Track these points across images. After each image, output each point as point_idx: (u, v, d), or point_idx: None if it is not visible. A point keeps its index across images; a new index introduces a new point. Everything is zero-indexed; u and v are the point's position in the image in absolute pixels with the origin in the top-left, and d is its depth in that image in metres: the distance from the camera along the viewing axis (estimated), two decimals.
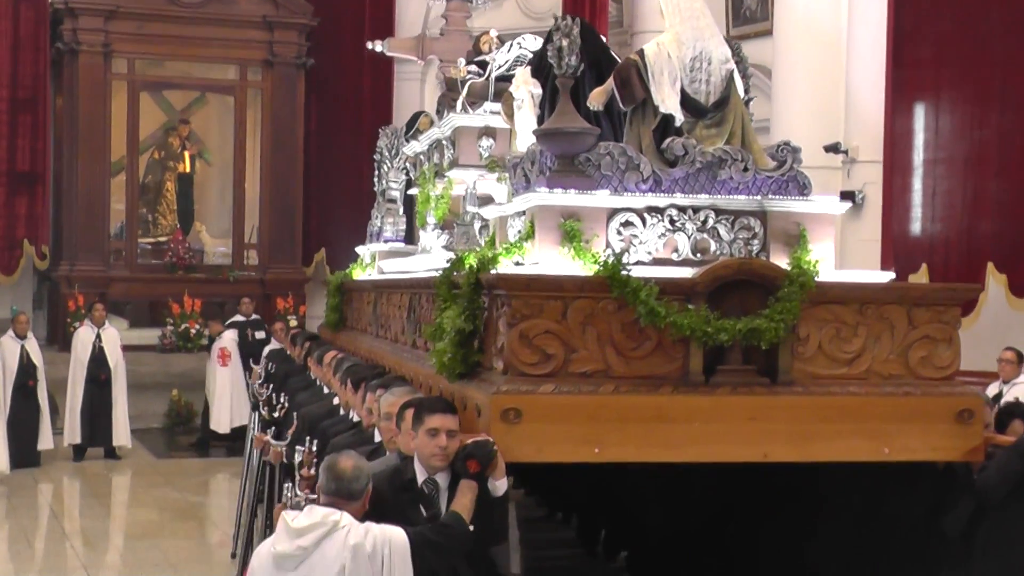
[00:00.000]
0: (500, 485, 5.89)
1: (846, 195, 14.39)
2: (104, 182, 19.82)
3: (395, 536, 5.38)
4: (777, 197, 6.89)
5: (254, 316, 18.42)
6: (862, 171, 15.29)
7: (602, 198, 6.67)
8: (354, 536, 5.29)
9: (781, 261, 6.63)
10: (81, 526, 12.89)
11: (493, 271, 6.49)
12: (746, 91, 7.66)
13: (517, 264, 6.67)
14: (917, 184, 14.28)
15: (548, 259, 6.54)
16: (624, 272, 6.15)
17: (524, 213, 6.85)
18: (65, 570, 11.00)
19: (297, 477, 6.75)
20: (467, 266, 6.63)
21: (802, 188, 6.96)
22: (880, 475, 6.93)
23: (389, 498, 5.83)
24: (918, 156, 14.26)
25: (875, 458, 6.38)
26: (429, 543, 5.49)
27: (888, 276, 6.98)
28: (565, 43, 6.66)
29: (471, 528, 5.64)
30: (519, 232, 6.90)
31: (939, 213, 14.07)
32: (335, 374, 8.71)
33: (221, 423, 17.23)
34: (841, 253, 14.22)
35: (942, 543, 6.94)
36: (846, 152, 15.20)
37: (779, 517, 8.02)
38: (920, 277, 13.71)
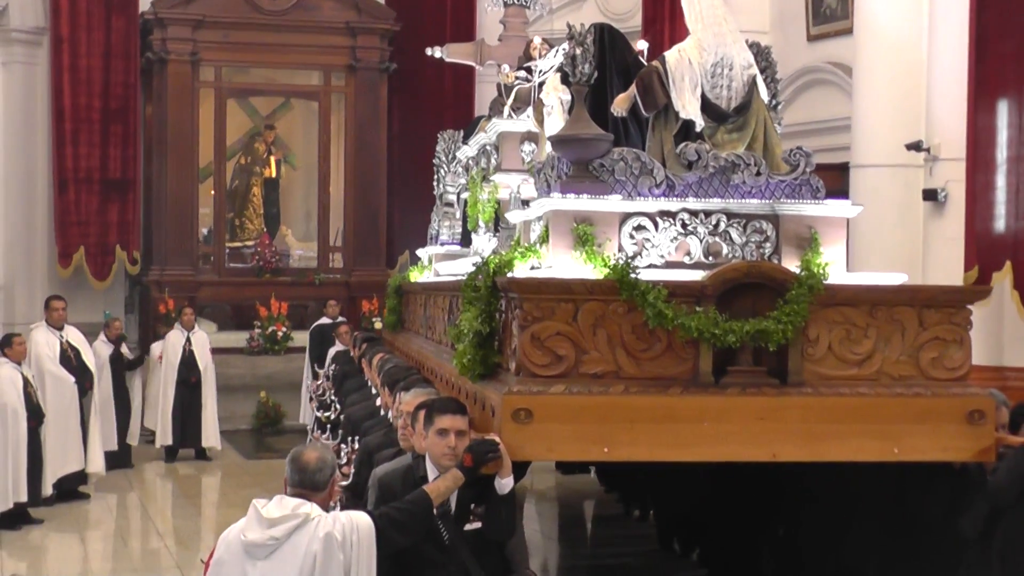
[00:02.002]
0: (506, 483, 6.06)
1: (929, 193, 14.28)
2: (192, 188, 20.20)
3: (361, 521, 5.57)
4: (789, 201, 6.97)
5: (340, 318, 18.62)
6: (945, 169, 15.08)
7: (614, 203, 6.80)
8: (324, 526, 5.46)
9: (793, 264, 6.71)
10: (174, 526, 13.16)
11: (509, 274, 6.64)
12: (773, 96, 7.72)
13: (533, 268, 6.81)
14: (1000, 181, 14.05)
15: (562, 263, 6.69)
16: (633, 275, 6.27)
17: (542, 218, 7.00)
18: (159, 568, 11.28)
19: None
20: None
21: (815, 192, 7.03)
22: (901, 475, 6.99)
23: (401, 495, 6.03)
24: (1001, 153, 14.03)
25: (884, 458, 6.42)
26: (392, 521, 5.69)
27: (900, 278, 7.00)
28: (579, 51, 6.81)
29: (436, 508, 5.84)
30: (538, 236, 7.06)
31: (1023, 210, 13.90)
32: (379, 375, 8.91)
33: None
34: (924, 251, 14.21)
35: (963, 544, 6.97)
36: (928, 150, 15.03)
37: (820, 517, 8.09)
38: (1004, 275, 13.52)
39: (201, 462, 16.52)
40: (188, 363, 16.67)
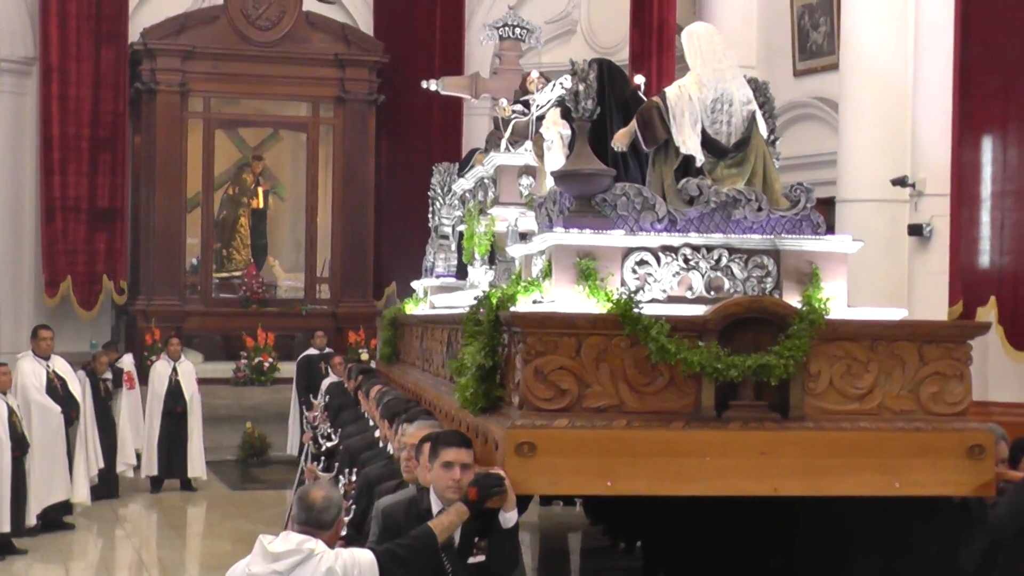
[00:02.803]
0: (510, 517, 6.08)
1: (914, 228, 14.36)
2: (180, 218, 20.21)
3: (363, 558, 5.62)
4: (790, 236, 7.03)
5: (327, 349, 18.60)
6: (929, 204, 15.18)
7: (617, 237, 6.85)
8: (326, 562, 5.50)
9: (794, 299, 6.76)
10: (159, 556, 13.11)
11: (512, 309, 6.68)
12: (772, 131, 7.78)
13: (535, 302, 6.85)
14: (985, 217, 14.14)
15: (564, 297, 6.73)
16: (636, 310, 6.32)
17: (544, 252, 7.04)
18: None
19: None
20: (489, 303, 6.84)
21: (815, 227, 7.10)
22: (901, 509, 7.02)
23: (404, 528, 6.04)
24: (986, 189, 14.12)
25: (885, 492, 6.47)
26: (395, 558, 5.73)
27: (901, 313, 7.06)
28: (581, 87, 6.86)
29: (440, 543, 5.86)
30: (541, 270, 7.09)
31: (1007, 245, 13.95)
32: (377, 407, 8.93)
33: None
34: (909, 286, 14.27)
35: None
36: (913, 185, 15.13)
37: (815, 550, 8.11)
38: (989, 310, 13.60)
39: (187, 492, 16.43)
40: (174, 393, 16.58)
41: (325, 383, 15.56)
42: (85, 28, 19.33)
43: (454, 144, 20.72)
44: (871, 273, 13.85)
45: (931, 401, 6.57)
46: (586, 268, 6.69)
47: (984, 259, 14.03)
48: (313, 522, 5.62)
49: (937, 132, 14.72)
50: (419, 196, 20.17)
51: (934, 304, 13.45)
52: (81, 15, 19.29)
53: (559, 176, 7.02)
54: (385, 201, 21.04)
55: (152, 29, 19.83)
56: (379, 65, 20.78)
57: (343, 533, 6.42)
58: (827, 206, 14.94)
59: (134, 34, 19.86)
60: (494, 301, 6.77)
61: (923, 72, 15.01)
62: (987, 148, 13.99)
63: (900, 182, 14.92)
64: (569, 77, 9.39)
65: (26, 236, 19.82)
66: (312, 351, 18.54)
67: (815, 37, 18.17)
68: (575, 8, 21.46)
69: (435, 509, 6.10)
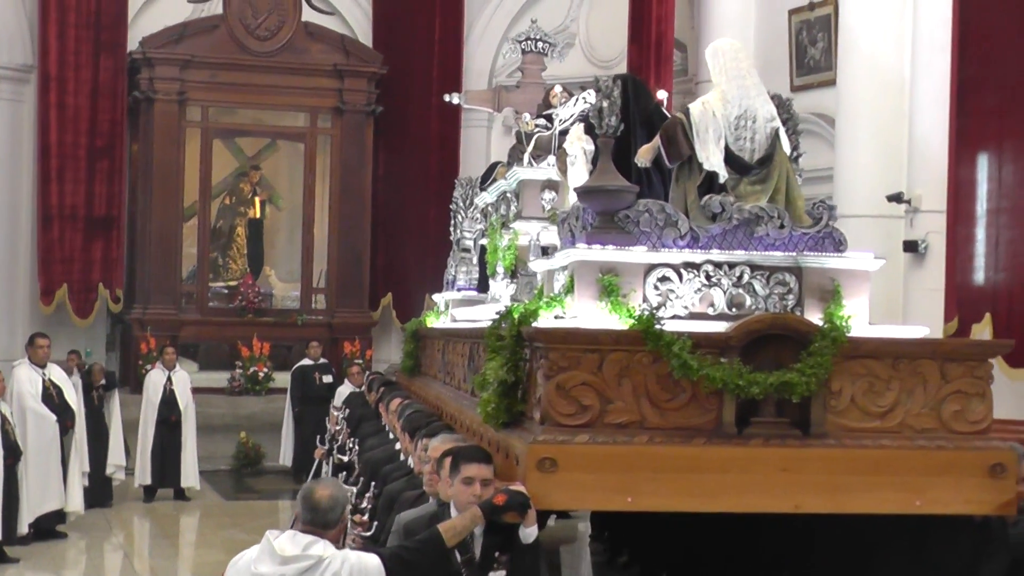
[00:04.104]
0: (530, 532, 6.09)
1: (909, 245, 14.38)
2: (177, 227, 20.19)
3: (369, 563, 5.62)
4: (812, 253, 7.05)
5: (322, 360, 18.64)
6: (925, 220, 15.22)
7: (639, 254, 6.87)
8: (332, 568, 5.51)
9: (816, 316, 6.77)
10: (151, 566, 13.10)
11: (534, 324, 6.68)
12: (795, 148, 7.79)
13: (557, 317, 6.85)
14: (981, 234, 14.17)
15: (586, 313, 6.74)
16: (658, 326, 6.33)
17: (566, 267, 7.05)
18: None
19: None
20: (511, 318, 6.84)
21: (838, 244, 7.12)
22: (921, 525, 7.03)
23: None
24: (982, 206, 14.16)
25: (907, 510, 6.48)
26: (402, 561, 5.75)
27: (922, 331, 7.08)
28: (605, 104, 6.88)
29: (449, 547, 5.88)
30: (563, 286, 7.10)
31: (1003, 263, 13.99)
32: (398, 420, 8.91)
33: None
34: (904, 302, 14.28)
35: None
36: (909, 201, 15.19)
37: (831, 567, 8.11)
38: (983, 327, 13.64)
39: (180, 502, 16.38)
40: (168, 402, 16.52)
41: (342, 393, 15.49)
42: (84, 36, 19.27)
43: (451, 156, 20.77)
44: None
45: (953, 419, 6.57)
46: (608, 284, 6.70)
47: (979, 276, 14.05)
48: (319, 522, 5.64)
49: (934, 149, 14.77)
50: (416, 207, 20.38)
51: (929, 321, 13.43)
52: (80, 23, 19.23)
53: (583, 192, 7.03)
54: (382, 212, 21.04)
55: (151, 38, 19.81)
56: (377, 76, 20.77)
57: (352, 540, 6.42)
58: None
59: (133, 43, 19.85)
60: (516, 316, 6.77)
61: (920, 89, 15.06)
62: (983, 165, 14.02)
63: (896, 198, 14.96)
64: (592, 92, 9.45)
65: (22, 244, 19.78)
66: (307, 361, 18.55)
67: (813, 53, 18.23)
68: (573, 22, 21.50)
69: None
